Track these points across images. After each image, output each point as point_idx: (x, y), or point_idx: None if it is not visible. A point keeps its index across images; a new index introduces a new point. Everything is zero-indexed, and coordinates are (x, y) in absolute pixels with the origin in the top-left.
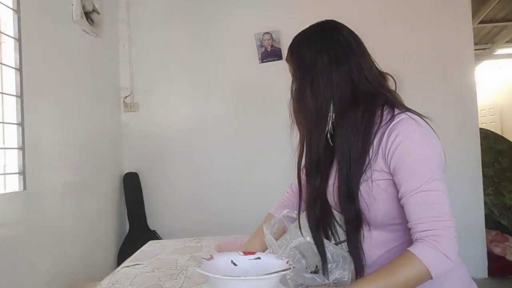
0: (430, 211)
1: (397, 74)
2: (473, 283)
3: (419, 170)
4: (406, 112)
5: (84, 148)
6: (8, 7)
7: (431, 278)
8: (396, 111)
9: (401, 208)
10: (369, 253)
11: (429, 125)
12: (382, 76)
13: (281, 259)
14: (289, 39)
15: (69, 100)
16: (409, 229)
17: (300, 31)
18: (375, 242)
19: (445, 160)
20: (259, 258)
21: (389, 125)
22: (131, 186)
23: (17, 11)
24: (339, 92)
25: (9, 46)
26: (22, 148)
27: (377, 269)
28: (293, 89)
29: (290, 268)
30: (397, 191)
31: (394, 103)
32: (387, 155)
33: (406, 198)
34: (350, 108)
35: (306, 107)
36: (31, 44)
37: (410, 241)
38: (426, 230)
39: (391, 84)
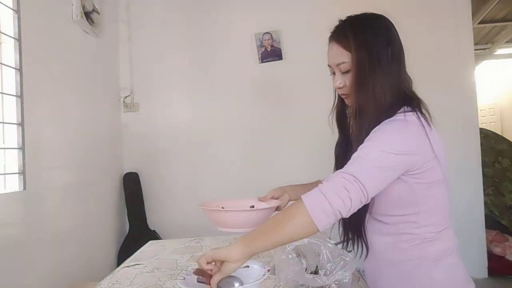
0: (345, 165)
1: None
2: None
3: (365, 143)
4: (406, 114)
5: (84, 148)
6: (8, 7)
7: (316, 226)
8: (399, 111)
9: (395, 201)
10: (371, 240)
11: (423, 127)
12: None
13: (264, 267)
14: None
15: (69, 100)
16: (407, 222)
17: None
18: (376, 230)
19: (407, 161)
20: (247, 266)
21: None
22: (131, 186)
23: (17, 11)
24: (396, 84)
25: (9, 46)
26: (22, 148)
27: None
28: (355, 72)
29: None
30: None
31: (410, 104)
32: None
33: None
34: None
35: (372, 90)
36: (31, 44)
37: (408, 234)
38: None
39: None
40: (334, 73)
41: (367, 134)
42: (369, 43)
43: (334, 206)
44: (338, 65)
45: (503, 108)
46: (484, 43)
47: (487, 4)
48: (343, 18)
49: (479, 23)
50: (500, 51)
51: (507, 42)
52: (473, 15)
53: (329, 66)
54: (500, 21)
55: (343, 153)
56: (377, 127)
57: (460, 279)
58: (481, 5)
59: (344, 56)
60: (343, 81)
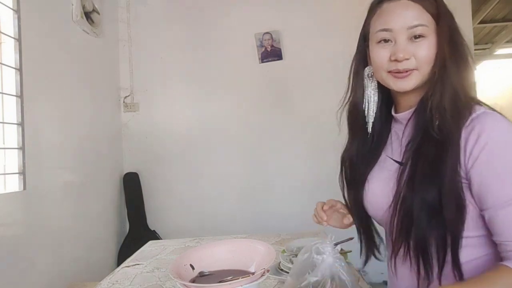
0: None
1: None
2: None
3: (510, 177)
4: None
5: (84, 148)
6: (8, 7)
7: None
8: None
9: (475, 218)
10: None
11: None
12: None
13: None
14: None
15: (69, 100)
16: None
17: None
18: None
19: None
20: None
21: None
22: (131, 186)
23: (17, 11)
24: None
25: (9, 46)
26: (22, 148)
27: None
28: (447, 37)
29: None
30: (471, 197)
31: None
32: (466, 156)
33: (495, 209)
34: None
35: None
36: (31, 44)
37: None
38: None
39: None
40: (384, 41)
41: (457, 130)
42: (453, 19)
43: None
44: (411, 27)
45: (503, 108)
46: (484, 43)
47: (487, 4)
48: None
49: (479, 23)
50: (500, 51)
51: (507, 42)
52: (473, 15)
53: (385, 30)
54: (500, 21)
55: (355, 161)
56: (495, 142)
57: None
58: (481, 5)
59: (424, 18)
60: (411, 51)
